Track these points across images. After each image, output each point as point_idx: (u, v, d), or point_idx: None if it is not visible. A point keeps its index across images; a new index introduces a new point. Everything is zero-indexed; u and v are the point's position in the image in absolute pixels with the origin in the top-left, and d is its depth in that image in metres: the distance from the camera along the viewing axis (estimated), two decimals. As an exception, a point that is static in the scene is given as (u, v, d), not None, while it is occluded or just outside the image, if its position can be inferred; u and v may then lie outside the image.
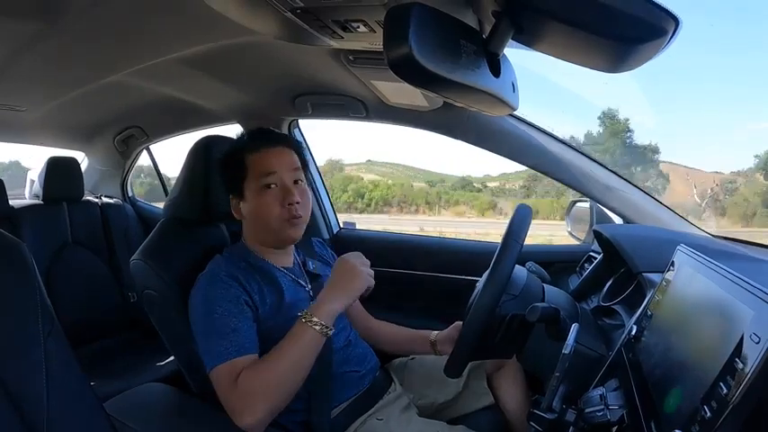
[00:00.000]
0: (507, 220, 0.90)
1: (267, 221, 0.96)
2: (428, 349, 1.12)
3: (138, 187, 2.61)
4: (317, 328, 0.85)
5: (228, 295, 0.91)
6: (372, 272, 0.93)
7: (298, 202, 0.96)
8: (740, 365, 0.45)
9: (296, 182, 0.98)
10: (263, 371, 0.83)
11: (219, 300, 0.90)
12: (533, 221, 0.93)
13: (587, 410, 0.68)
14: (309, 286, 1.05)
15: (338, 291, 0.89)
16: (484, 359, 1.09)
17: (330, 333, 0.86)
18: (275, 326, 0.94)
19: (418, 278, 1.58)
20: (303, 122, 1.71)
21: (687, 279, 0.70)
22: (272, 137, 1.02)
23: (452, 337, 1.06)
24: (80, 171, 1.99)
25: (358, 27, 0.86)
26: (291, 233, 0.98)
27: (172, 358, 1.59)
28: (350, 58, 1.12)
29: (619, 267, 1.07)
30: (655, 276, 0.89)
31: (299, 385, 0.86)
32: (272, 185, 0.96)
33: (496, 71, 0.67)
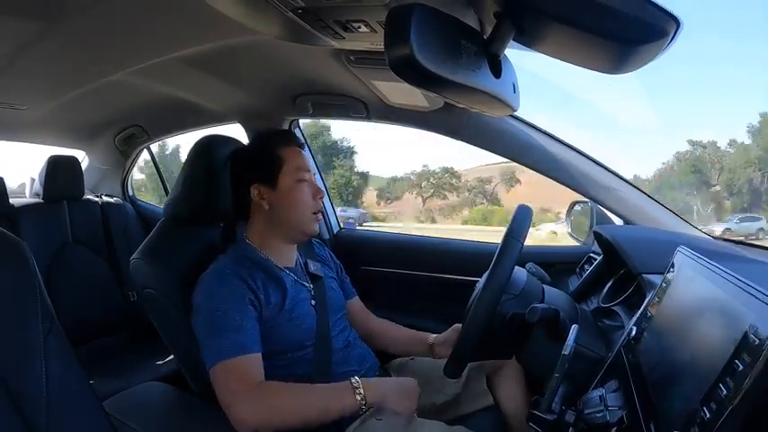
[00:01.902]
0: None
1: (299, 212, 1.01)
2: (426, 351, 1.13)
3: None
4: (359, 398, 0.86)
5: (233, 293, 0.91)
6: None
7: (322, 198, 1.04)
8: (740, 367, 0.45)
9: None
10: (288, 396, 0.87)
11: (224, 297, 0.91)
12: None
13: (587, 411, 0.68)
14: (312, 286, 1.05)
15: (395, 391, 0.90)
16: (484, 359, 1.09)
17: (363, 408, 0.86)
18: (276, 326, 0.95)
19: (418, 278, 1.58)
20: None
21: (687, 280, 0.71)
22: (297, 139, 1.08)
23: (451, 340, 1.06)
24: (81, 170, 1.99)
25: (359, 27, 0.86)
26: (315, 227, 1.04)
27: (171, 357, 1.59)
28: (351, 58, 1.12)
29: (619, 268, 1.08)
30: (655, 278, 0.89)
31: (302, 426, 0.86)
32: (306, 180, 1.02)
33: (497, 72, 0.67)
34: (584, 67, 0.66)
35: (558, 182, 1.32)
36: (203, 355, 0.89)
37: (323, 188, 1.74)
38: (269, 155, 1.02)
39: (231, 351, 0.86)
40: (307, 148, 1.11)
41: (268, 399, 0.85)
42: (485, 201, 17.42)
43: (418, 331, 1.18)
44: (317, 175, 1.71)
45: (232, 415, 0.83)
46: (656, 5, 0.50)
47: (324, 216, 1.75)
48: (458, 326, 1.06)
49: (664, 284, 0.77)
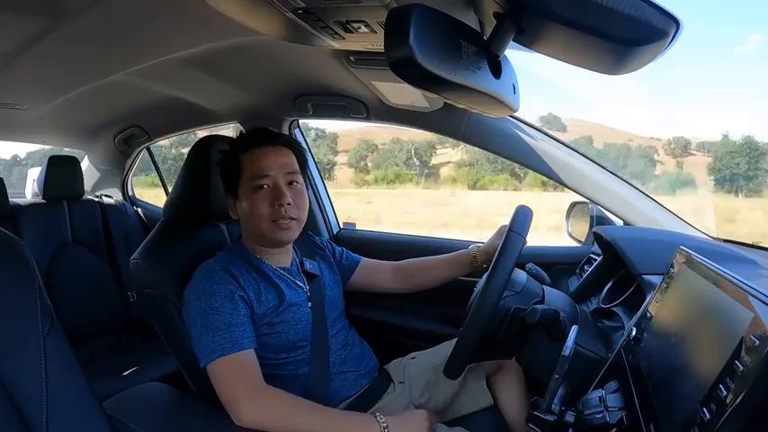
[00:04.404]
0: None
1: (257, 222, 0.96)
2: (468, 267, 1.14)
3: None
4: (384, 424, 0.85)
5: (223, 290, 0.91)
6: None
7: (289, 204, 0.95)
8: (739, 368, 0.45)
9: (291, 183, 0.98)
10: (299, 412, 0.84)
11: (214, 295, 0.90)
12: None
13: (586, 412, 0.68)
14: (307, 287, 1.05)
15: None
16: (483, 360, 1.09)
17: None
18: (271, 329, 0.95)
19: None
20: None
21: (687, 281, 0.70)
22: (269, 136, 1.01)
23: (493, 247, 1.05)
24: (80, 170, 1.99)
25: (359, 28, 0.86)
26: (280, 235, 0.97)
27: (171, 358, 1.60)
28: (351, 58, 1.12)
29: (618, 269, 1.07)
30: (654, 278, 0.89)
31: None
32: (265, 186, 0.96)
33: (497, 73, 0.67)
34: (584, 67, 0.66)
35: (558, 182, 1.32)
36: (197, 353, 0.89)
37: (322, 187, 1.75)
38: (229, 164, 0.99)
39: (223, 349, 0.86)
40: (298, 147, 1.04)
41: (277, 407, 0.84)
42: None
43: (455, 252, 1.18)
44: (314, 175, 1.71)
45: (234, 414, 0.83)
46: (656, 6, 0.50)
47: (324, 216, 1.75)
48: (504, 226, 1.02)
49: (663, 285, 0.77)
